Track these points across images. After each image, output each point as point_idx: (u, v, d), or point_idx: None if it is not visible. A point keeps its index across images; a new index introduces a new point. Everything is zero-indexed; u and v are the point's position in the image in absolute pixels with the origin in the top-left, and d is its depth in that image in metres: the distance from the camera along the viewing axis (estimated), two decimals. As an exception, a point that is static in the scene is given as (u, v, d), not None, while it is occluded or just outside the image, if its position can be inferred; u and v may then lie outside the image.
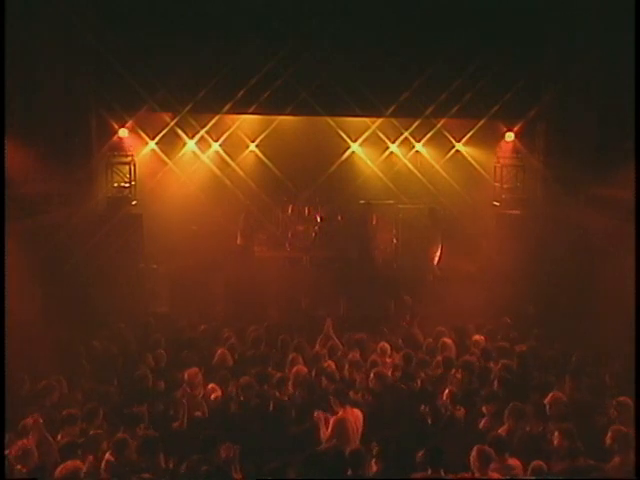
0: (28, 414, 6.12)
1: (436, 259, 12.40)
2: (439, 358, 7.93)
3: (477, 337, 8.64)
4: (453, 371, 7.46)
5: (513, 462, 5.55)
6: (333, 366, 7.62)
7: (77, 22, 10.78)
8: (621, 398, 6.32)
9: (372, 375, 7.19)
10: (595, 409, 6.52)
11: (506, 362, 7.54)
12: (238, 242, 13.36)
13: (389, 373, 7.52)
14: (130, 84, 11.08)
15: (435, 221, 12.63)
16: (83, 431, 6.09)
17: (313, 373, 7.42)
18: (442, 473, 5.34)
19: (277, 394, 6.89)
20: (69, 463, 5.32)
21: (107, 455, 5.62)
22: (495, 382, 7.06)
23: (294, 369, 7.41)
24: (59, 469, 5.23)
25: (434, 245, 12.39)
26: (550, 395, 6.54)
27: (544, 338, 8.84)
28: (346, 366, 7.70)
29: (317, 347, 8.38)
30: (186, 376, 7.18)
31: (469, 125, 12.50)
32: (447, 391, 6.78)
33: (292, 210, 14.33)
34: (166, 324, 9.82)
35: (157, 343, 8.45)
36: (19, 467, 5.39)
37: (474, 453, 5.40)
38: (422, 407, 6.64)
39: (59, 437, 6.04)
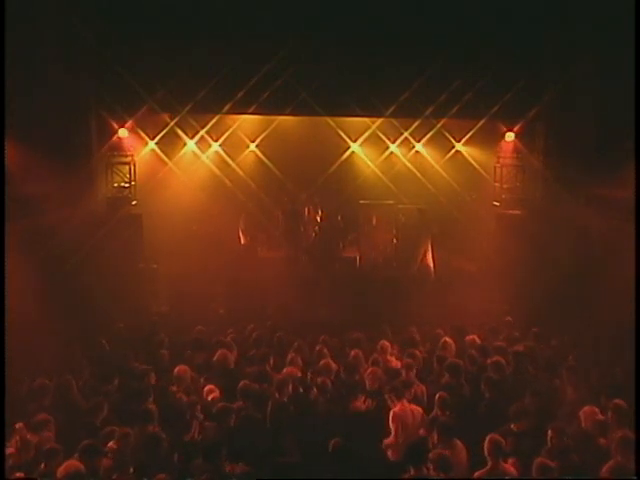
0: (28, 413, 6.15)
1: (428, 259, 12.37)
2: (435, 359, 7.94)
3: (472, 337, 8.63)
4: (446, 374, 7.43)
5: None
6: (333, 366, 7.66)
7: (77, 22, 10.77)
8: (617, 400, 6.30)
9: (368, 375, 7.24)
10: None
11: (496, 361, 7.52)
12: (242, 242, 13.40)
13: (387, 372, 7.53)
14: (130, 84, 11.08)
15: (424, 221, 12.64)
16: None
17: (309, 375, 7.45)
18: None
19: (276, 395, 6.89)
20: (70, 463, 5.31)
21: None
22: (482, 384, 7.04)
23: (286, 370, 7.45)
24: (60, 469, 5.23)
25: (423, 245, 12.38)
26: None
27: (542, 337, 8.83)
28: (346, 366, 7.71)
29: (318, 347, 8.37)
30: (175, 372, 7.25)
31: (469, 125, 12.50)
32: (438, 395, 6.77)
33: (292, 210, 14.32)
34: (167, 324, 9.82)
35: (161, 343, 8.47)
36: None
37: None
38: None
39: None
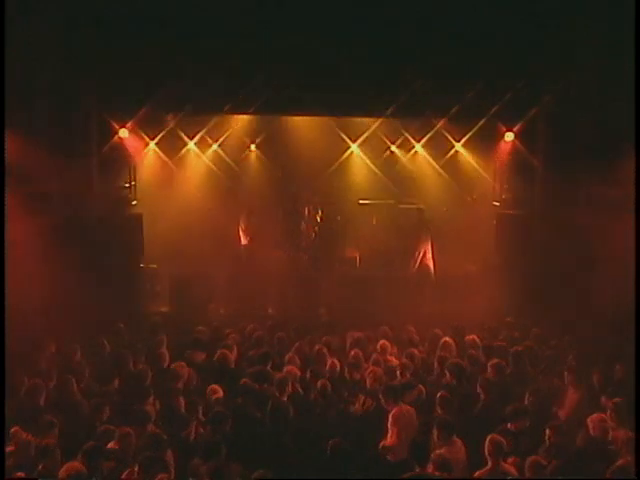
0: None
1: (428, 259, 12.36)
2: (435, 359, 7.94)
3: (472, 337, 8.63)
4: (447, 374, 7.43)
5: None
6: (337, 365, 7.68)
7: (78, 22, 10.77)
8: (616, 399, 6.29)
9: (369, 375, 7.25)
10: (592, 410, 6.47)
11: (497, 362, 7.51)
12: (242, 242, 13.41)
13: (387, 372, 7.53)
14: (130, 84, 11.09)
15: (424, 221, 12.63)
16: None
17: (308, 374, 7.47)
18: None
19: (277, 394, 6.89)
20: (71, 465, 5.31)
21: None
22: (480, 384, 7.05)
23: (286, 370, 7.46)
24: (61, 471, 5.23)
25: (423, 245, 12.38)
26: None
27: (542, 337, 8.84)
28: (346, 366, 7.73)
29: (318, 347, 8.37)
30: (172, 369, 7.34)
31: (469, 125, 12.50)
32: (439, 394, 6.77)
33: (292, 210, 14.32)
34: (167, 324, 9.83)
35: (161, 343, 8.47)
36: None
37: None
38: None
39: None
